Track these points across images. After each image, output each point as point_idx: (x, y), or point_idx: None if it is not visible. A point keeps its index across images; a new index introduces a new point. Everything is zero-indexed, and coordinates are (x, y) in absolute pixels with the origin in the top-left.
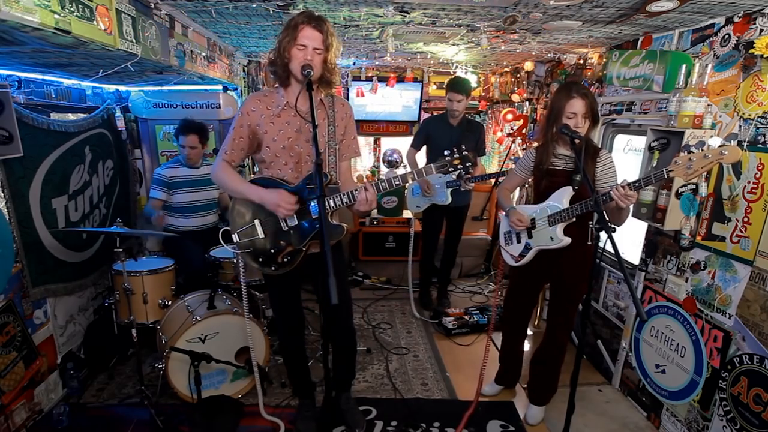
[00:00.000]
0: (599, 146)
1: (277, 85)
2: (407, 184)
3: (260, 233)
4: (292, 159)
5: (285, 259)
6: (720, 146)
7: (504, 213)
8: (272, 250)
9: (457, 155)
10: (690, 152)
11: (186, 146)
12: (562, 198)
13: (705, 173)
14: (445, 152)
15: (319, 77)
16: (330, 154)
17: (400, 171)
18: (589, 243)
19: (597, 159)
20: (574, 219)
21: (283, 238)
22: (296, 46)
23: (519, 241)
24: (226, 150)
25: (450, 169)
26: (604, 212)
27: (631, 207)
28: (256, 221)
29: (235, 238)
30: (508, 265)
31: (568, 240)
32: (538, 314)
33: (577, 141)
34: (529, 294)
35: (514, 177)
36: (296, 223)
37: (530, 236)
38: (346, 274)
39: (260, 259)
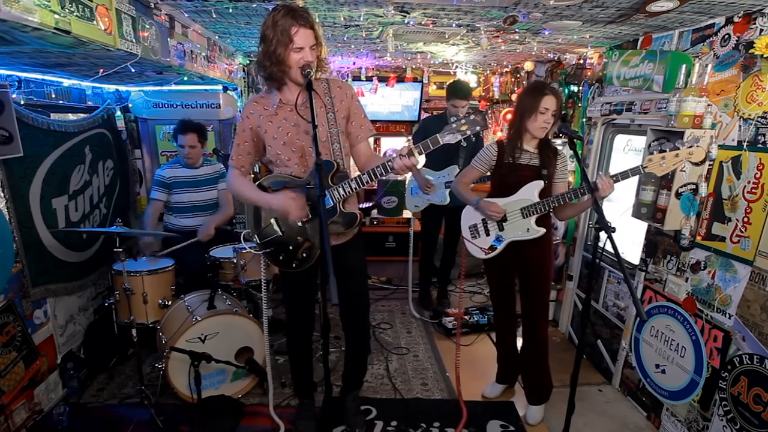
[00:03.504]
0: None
1: (268, 87)
2: (407, 183)
3: (278, 231)
4: (295, 153)
5: (304, 255)
6: (688, 148)
7: (472, 205)
8: (291, 247)
9: (464, 122)
10: (663, 151)
11: (186, 145)
12: (533, 191)
13: (705, 172)
14: (452, 118)
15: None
16: (333, 141)
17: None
18: (554, 229)
19: (558, 156)
20: (549, 211)
21: (300, 234)
22: (293, 50)
23: (488, 234)
24: (233, 157)
25: (458, 135)
26: (562, 205)
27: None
28: (272, 220)
29: (255, 239)
30: (478, 262)
31: (543, 230)
32: None
33: (576, 140)
34: (507, 284)
35: (473, 171)
36: (310, 216)
37: (501, 228)
38: (365, 268)
39: (281, 258)
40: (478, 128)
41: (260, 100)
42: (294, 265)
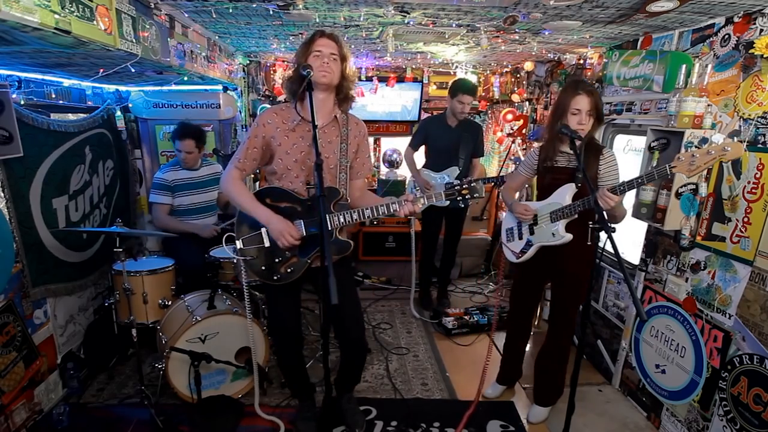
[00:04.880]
0: (603, 145)
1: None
2: (407, 183)
3: (266, 242)
4: (303, 172)
5: (288, 270)
6: (723, 143)
7: (508, 208)
8: (277, 260)
9: (466, 186)
10: (694, 148)
11: (182, 151)
12: (565, 195)
13: (705, 172)
14: (455, 181)
15: (337, 87)
16: (341, 171)
17: (400, 171)
18: (589, 243)
19: (600, 157)
20: (576, 216)
21: (289, 249)
22: (313, 54)
23: (521, 238)
24: (239, 158)
25: (458, 198)
26: (604, 212)
27: (624, 209)
28: (263, 229)
29: (239, 244)
30: (508, 264)
31: (569, 237)
32: (538, 314)
33: (576, 141)
34: (532, 291)
35: (518, 176)
36: (304, 234)
37: (532, 232)
38: (355, 288)
39: (263, 268)
40: (477, 195)
41: (280, 112)
42: (275, 277)
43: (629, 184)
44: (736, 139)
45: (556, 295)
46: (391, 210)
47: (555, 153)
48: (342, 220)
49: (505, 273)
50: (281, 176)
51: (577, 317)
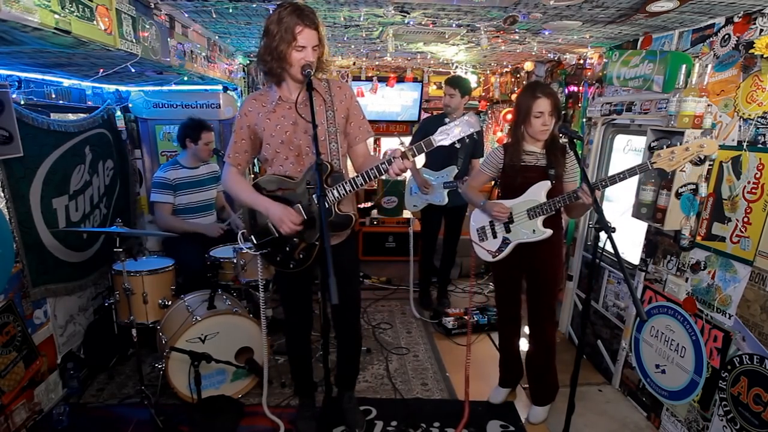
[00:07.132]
0: (565, 143)
1: (267, 84)
2: (407, 182)
3: (275, 232)
4: (292, 152)
5: (301, 256)
6: (699, 140)
7: (479, 208)
8: (287, 248)
9: (457, 122)
10: (671, 145)
11: (209, 142)
12: (540, 192)
13: (705, 172)
14: (446, 119)
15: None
16: (331, 141)
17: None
18: (561, 229)
19: (566, 155)
20: (554, 212)
21: (296, 235)
22: (295, 49)
23: (495, 236)
24: (230, 154)
25: (451, 138)
26: (570, 205)
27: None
28: (269, 220)
29: (252, 239)
30: (480, 264)
31: (549, 231)
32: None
33: (576, 140)
34: (512, 286)
35: (482, 175)
36: (306, 218)
37: (508, 230)
38: (358, 270)
39: (278, 259)
40: (471, 130)
41: (259, 97)
42: (291, 265)
43: (611, 180)
44: (710, 135)
45: (533, 289)
46: (382, 171)
47: (520, 154)
48: (337, 194)
49: (477, 272)
50: (272, 161)
51: (557, 308)
